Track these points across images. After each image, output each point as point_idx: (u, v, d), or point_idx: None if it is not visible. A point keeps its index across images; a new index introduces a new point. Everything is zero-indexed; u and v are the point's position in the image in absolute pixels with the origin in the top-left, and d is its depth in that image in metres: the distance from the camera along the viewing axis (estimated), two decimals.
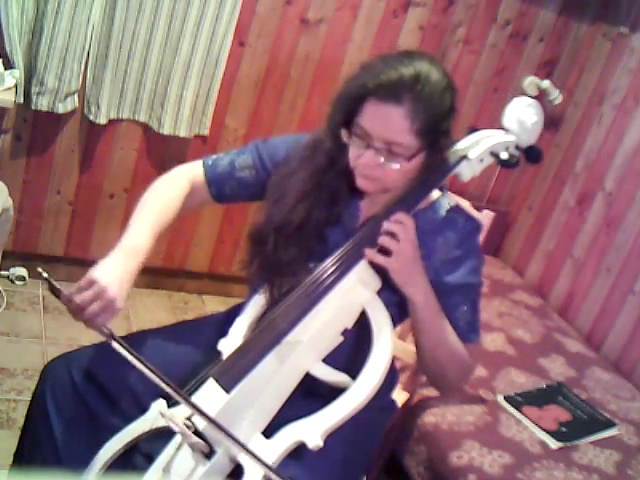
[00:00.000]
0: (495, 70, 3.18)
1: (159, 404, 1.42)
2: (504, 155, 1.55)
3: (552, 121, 3.31)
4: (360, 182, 1.47)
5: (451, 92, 1.44)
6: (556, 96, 3.17)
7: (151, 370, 1.27)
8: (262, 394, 1.40)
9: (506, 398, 2.26)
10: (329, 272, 1.46)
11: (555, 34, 3.19)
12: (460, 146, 1.55)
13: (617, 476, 2.07)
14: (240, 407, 1.38)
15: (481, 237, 1.87)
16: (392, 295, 1.49)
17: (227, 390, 1.38)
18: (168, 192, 1.62)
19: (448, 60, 3.08)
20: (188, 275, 3.10)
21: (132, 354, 1.27)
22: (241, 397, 1.39)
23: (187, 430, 1.33)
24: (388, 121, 1.38)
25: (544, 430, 2.15)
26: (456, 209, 1.57)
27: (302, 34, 2.85)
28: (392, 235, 1.44)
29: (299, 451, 1.36)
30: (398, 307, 1.52)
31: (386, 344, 1.44)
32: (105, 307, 1.34)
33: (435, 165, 1.49)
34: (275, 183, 1.57)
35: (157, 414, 1.41)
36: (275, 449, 1.35)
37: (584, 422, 2.26)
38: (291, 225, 1.50)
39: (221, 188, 1.65)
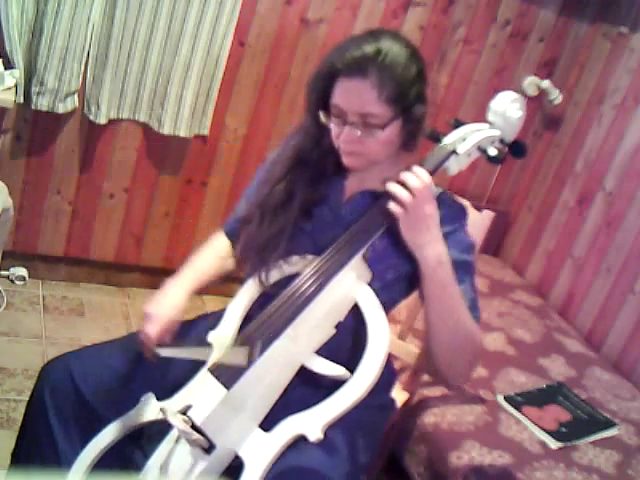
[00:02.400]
0: (495, 70, 3.18)
1: (148, 398, 1.43)
2: (493, 152, 1.56)
3: (552, 121, 3.31)
4: (346, 160, 1.52)
5: (416, 60, 1.48)
6: (556, 96, 3.17)
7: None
8: (260, 388, 1.40)
9: (506, 398, 2.26)
10: (325, 267, 1.47)
11: (555, 34, 3.19)
12: (447, 140, 1.57)
13: (617, 476, 2.07)
14: (239, 402, 1.38)
15: (481, 237, 1.88)
16: (384, 281, 1.51)
17: (227, 387, 1.39)
18: (208, 248, 1.73)
19: (448, 60, 3.08)
20: None
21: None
22: (240, 392, 1.39)
23: (188, 428, 1.33)
24: (357, 94, 1.44)
25: (544, 430, 2.15)
26: (441, 193, 1.58)
27: (302, 34, 2.85)
28: (406, 188, 1.44)
29: (303, 452, 1.37)
30: (388, 293, 1.53)
31: (382, 334, 1.44)
32: (149, 321, 1.52)
33: (415, 133, 1.51)
34: (263, 169, 1.65)
35: (147, 408, 1.42)
36: (275, 442, 1.34)
37: (584, 422, 2.26)
38: (274, 200, 1.55)
39: (237, 234, 1.68)
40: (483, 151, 1.57)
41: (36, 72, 2.50)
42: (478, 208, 1.89)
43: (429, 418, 2.10)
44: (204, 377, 1.42)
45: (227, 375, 1.40)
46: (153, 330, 1.49)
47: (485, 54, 3.14)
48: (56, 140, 2.71)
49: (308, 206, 1.56)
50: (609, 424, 2.28)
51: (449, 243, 1.51)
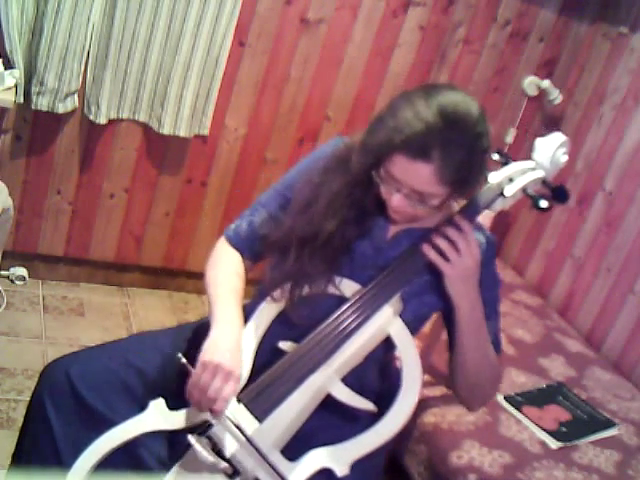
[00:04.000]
0: (495, 70, 3.18)
1: (158, 404, 1.42)
2: (544, 204, 1.53)
3: (552, 121, 3.31)
4: (392, 215, 1.49)
5: (485, 133, 1.40)
6: (556, 96, 3.16)
7: (256, 448, 1.32)
8: (289, 419, 1.40)
9: (506, 398, 2.26)
10: (367, 304, 1.47)
11: (555, 34, 3.19)
12: (493, 180, 1.53)
13: (617, 476, 2.07)
14: (268, 434, 1.38)
15: None
16: (417, 315, 1.54)
17: (260, 420, 1.39)
18: (229, 264, 1.60)
19: (448, 60, 3.08)
20: (188, 275, 3.10)
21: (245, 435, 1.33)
22: (271, 425, 1.39)
23: (216, 456, 1.33)
24: (417, 176, 1.36)
25: (544, 430, 2.15)
26: (477, 227, 1.58)
27: (302, 34, 2.85)
28: (452, 242, 1.46)
29: None
30: (418, 323, 1.57)
31: (416, 372, 1.45)
32: (226, 379, 1.36)
33: (467, 197, 1.50)
34: (300, 190, 1.54)
35: (158, 415, 1.41)
36: (301, 474, 1.34)
37: (584, 422, 2.26)
38: (318, 239, 1.48)
39: (252, 250, 1.62)
40: (531, 197, 1.55)
41: (36, 72, 2.50)
42: None
43: (429, 418, 2.10)
44: (239, 409, 1.40)
45: (260, 408, 1.39)
46: (233, 391, 1.37)
47: (485, 54, 3.14)
48: (56, 140, 2.71)
49: (350, 242, 1.52)
50: (609, 424, 2.28)
51: (482, 282, 1.52)
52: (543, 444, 2.11)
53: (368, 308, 1.47)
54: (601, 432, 2.23)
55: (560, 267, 3.15)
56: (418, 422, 2.11)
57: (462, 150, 1.35)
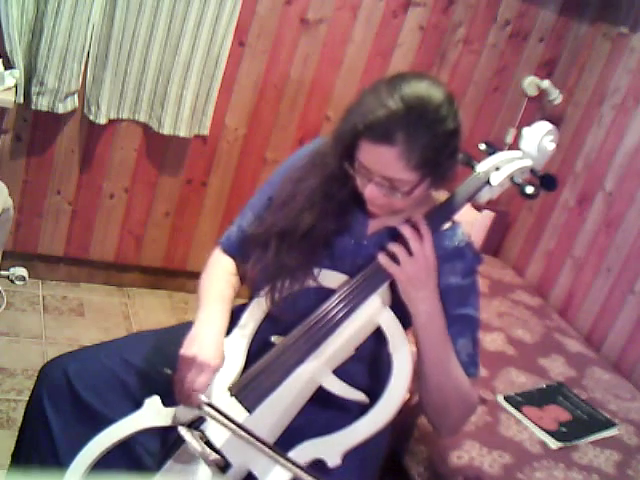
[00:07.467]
0: (495, 70, 3.18)
1: (153, 401, 1.42)
2: (530, 190, 1.52)
3: (552, 121, 3.30)
4: (370, 208, 1.48)
5: (451, 115, 1.38)
6: (556, 96, 3.17)
7: (248, 433, 1.31)
8: (279, 410, 1.40)
9: (506, 398, 2.26)
10: (354, 294, 1.46)
11: (555, 34, 3.19)
12: (480, 168, 1.53)
13: (617, 476, 2.07)
14: (258, 423, 1.38)
15: (481, 237, 1.87)
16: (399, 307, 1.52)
17: (250, 410, 1.40)
18: (219, 270, 1.62)
19: (448, 60, 3.08)
20: (188, 275, 3.10)
21: (232, 421, 1.33)
22: (261, 416, 1.39)
23: (207, 449, 1.33)
24: (383, 161, 1.36)
25: (544, 430, 2.15)
26: (467, 243, 1.55)
27: (302, 34, 2.85)
28: (405, 244, 1.42)
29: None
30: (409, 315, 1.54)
31: (405, 361, 1.44)
32: (200, 369, 1.39)
33: (444, 182, 1.46)
34: (281, 187, 1.56)
35: (153, 412, 1.41)
36: (292, 465, 1.34)
37: (584, 422, 2.26)
38: (296, 232, 1.49)
39: (243, 253, 1.61)
40: (518, 185, 1.54)
41: (36, 72, 2.50)
42: (478, 208, 1.89)
43: None
44: (220, 394, 1.41)
45: (250, 399, 1.40)
46: (205, 382, 1.38)
47: (485, 54, 3.14)
48: (56, 140, 2.71)
49: (330, 237, 1.52)
50: (609, 424, 2.28)
51: (454, 296, 1.50)
52: (543, 444, 2.11)
53: (355, 298, 1.46)
54: (601, 432, 2.23)
55: (560, 267, 3.15)
56: (418, 422, 2.11)
57: (426, 133, 1.34)
